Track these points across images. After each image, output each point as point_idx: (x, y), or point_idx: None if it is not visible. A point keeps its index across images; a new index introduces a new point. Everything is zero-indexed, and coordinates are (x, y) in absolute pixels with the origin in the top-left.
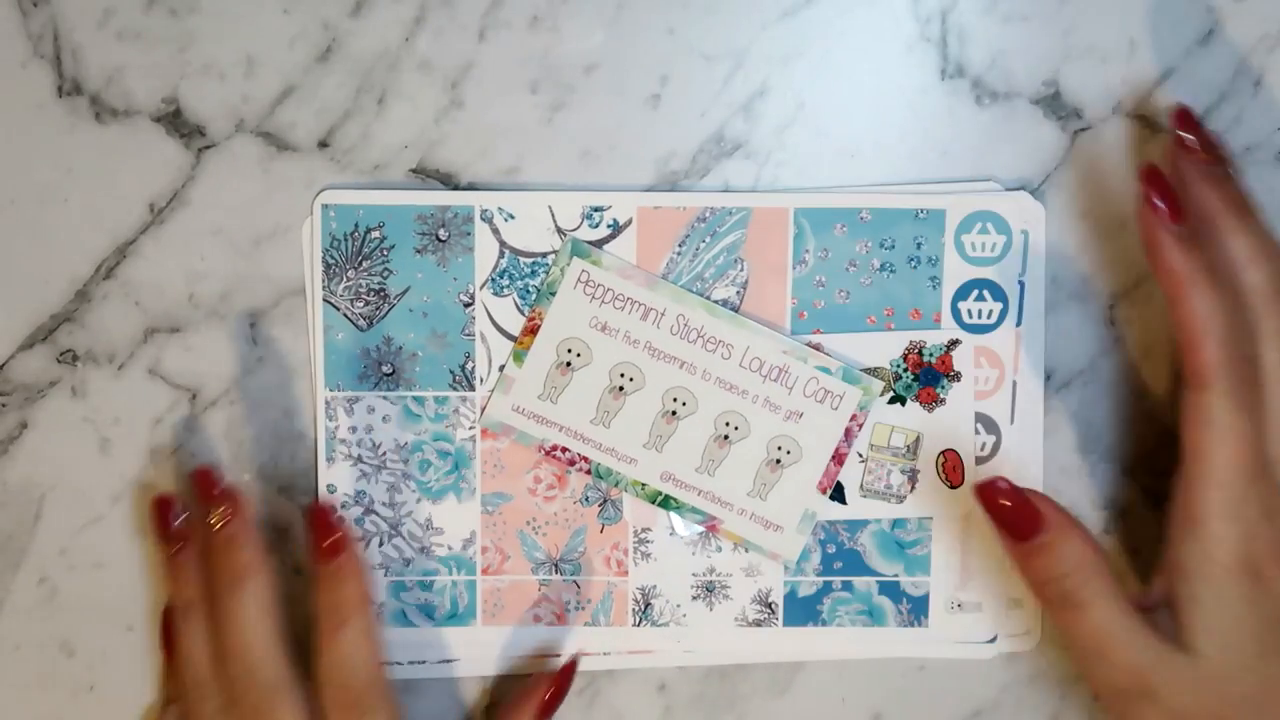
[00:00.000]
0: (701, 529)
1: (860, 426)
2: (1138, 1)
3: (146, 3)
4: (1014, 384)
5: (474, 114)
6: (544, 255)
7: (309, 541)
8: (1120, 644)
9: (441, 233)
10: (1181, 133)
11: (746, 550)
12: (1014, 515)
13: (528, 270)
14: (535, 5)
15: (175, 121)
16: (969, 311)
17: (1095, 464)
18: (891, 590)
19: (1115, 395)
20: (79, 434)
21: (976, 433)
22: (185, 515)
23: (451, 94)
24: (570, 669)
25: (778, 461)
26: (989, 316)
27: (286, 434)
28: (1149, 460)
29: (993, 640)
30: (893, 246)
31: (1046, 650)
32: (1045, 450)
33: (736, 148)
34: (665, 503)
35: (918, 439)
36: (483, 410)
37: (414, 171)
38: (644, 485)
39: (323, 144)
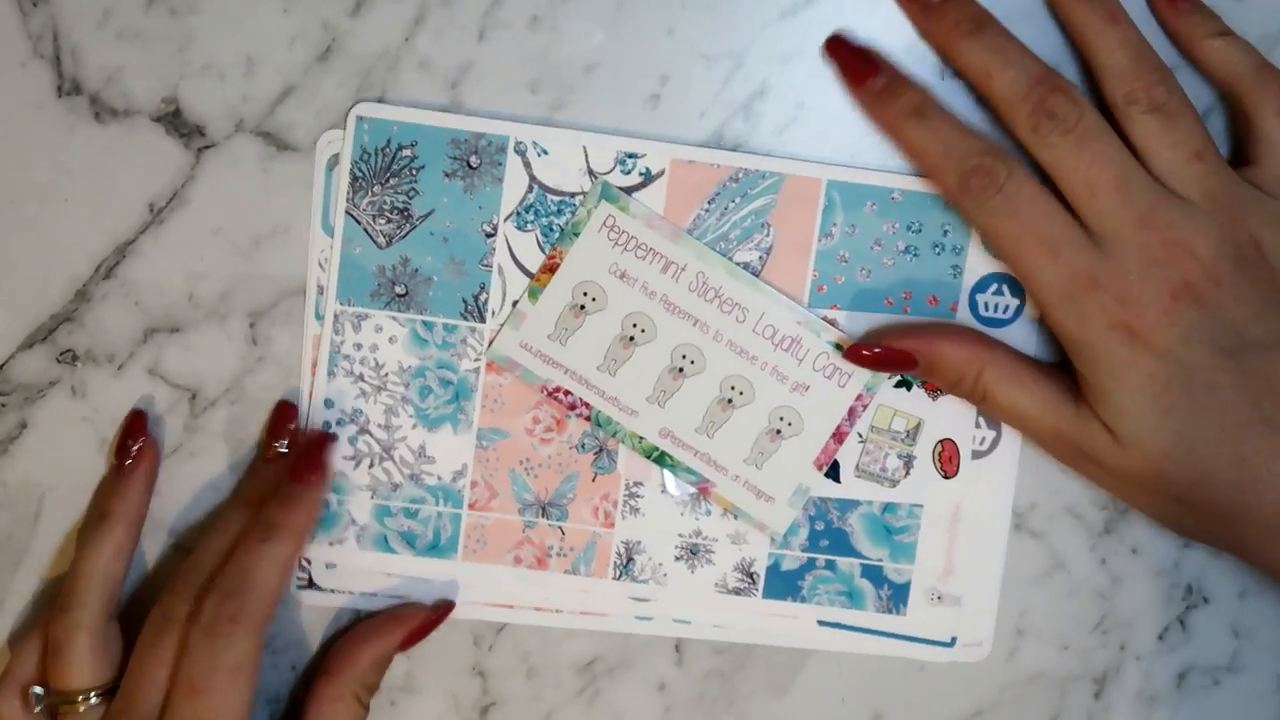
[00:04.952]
0: (693, 490)
1: (865, 407)
2: (1138, 1)
3: (146, 3)
4: None
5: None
6: (572, 195)
7: (292, 454)
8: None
9: (473, 159)
10: None
11: (735, 517)
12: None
13: (554, 208)
14: (535, 5)
15: (175, 121)
16: (986, 304)
17: None
18: (874, 574)
19: None
20: (79, 434)
21: (977, 426)
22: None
23: (451, 94)
24: (447, 610)
25: (778, 432)
26: (1005, 311)
27: None
28: None
29: (951, 643)
30: (920, 230)
31: (1043, 651)
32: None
33: (736, 148)
34: (661, 459)
35: (918, 425)
36: (490, 343)
37: None
38: (641, 439)
39: None
